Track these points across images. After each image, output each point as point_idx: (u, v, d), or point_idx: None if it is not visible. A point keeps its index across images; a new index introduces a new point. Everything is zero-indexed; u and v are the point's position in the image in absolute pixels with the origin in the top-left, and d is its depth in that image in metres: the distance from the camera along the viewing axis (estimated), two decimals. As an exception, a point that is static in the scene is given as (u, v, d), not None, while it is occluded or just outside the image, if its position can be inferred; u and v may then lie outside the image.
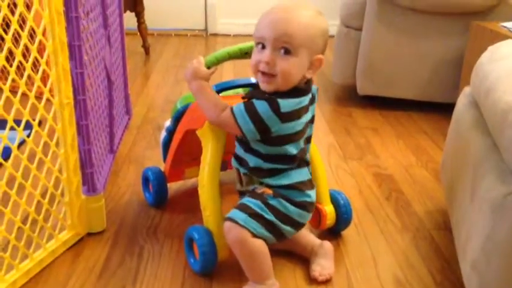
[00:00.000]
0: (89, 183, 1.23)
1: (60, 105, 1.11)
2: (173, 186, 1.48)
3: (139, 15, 3.03)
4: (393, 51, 2.12)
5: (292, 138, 1.02)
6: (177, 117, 1.29)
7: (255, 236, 1.01)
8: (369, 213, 1.40)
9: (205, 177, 1.10)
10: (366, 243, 1.27)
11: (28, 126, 1.02)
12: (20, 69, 1.53)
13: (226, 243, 1.05)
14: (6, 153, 1.01)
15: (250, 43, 1.10)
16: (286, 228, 1.05)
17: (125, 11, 2.73)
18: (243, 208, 1.03)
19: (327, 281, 1.11)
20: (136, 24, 3.03)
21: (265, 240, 1.03)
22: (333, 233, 1.28)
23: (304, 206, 1.07)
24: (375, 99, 2.30)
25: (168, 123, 1.37)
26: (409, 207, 1.44)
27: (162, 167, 1.41)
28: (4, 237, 1.02)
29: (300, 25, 0.96)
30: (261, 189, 1.07)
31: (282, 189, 1.05)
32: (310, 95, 1.04)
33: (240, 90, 1.24)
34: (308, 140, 1.09)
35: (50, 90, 1.08)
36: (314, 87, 1.08)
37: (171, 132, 1.35)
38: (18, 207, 1.05)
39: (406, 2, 2.02)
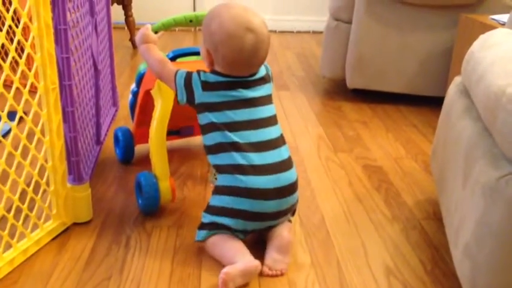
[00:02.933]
0: (74, 172, 1.20)
1: (45, 91, 1.08)
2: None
3: (127, 8, 3.00)
4: (382, 45, 2.12)
5: (213, 107, 1.11)
6: (139, 80, 1.45)
7: (214, 234, 1.11)
8: (359, 204, 1.39)
9: (154, 130, 1.26)
10: (356, 233, 1.26)
11: (13, 112, 0.99)
12: (1, 53, 1.49)
13: (169, 188, 1.26)
14: (-11, 138, 0.98)
15: (195, 13, 1.31)
16: (232, 221, 1.09)
17: (112, 3, 2.70)
18: (200, 225, 1.14)
19: (280, 276, 1.07)
20: (124, 17, 3.00)
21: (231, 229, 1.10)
22: None
23: (236, 192, 1.08)
24: (364, 92, 2.30)
25: (133, 86, 1.52)
26: (398, 198, 1.43)
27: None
28: (-13, 225, 0.99)
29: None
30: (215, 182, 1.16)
31: (217, 170, 1.13)
32: (242, 78, 1.12)
33: (195, 58, 1.37)
34: (253, 125, 1.11)
35: (35, 76, 1.06)
36: (267, 67, 1.21)
37: (135, 94, 1.50)
38: (2, 195, 1.03)
39: (396, -5, 2.02)
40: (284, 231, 1.12)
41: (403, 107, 2.20)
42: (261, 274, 1.07)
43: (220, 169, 1.11)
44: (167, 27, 1.31)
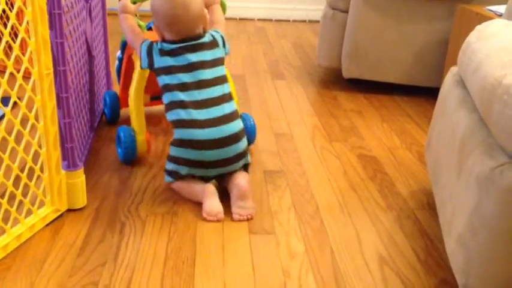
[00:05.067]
0: (69, 158, 1.20)
1: (39, 76, 1.07)
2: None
3: (122, -5, 2.97)
4: (379, 35, 2.11)
5: (167, 70, 1.30)
6: (124, 46, 1.62)
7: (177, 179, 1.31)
8: (354, 193, 1.40)
9: (133, 89, 1.44)
10: (350, 222, 1.26)
11: (6, 98, 0.98)
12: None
13: (144, 141, 1.46)
14: (-17, 123, 0.97)
15: None
16: (184, 168, 1.29)
17: (107, -11, 2.67)
18: (165, 170, 1.35)
19: (250, 219, 1.23)
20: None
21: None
22: None
23: (183, 144, 1.27)
24: (359, 82, 2.29)
25: (119, 53, 1.70)
26: (393, 188, 1.44)
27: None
28: (-20, 210, 0.99)
29: None
30: None
31: (172, 126, 1.31)
32: (188, 43, 1.30)
33: None
34: (197, 86, 1.29)
35: (29, 61, 1.05)
36: (214, 34, 1.36)
37: (121, 60, 1.67)
38: (-4, 180, 1.02)
39: (393, -16, 2.01)
40: (240, 181, 1.27)
41: (398, 97, 2.21)
42: (233, 220, 1.23)
43: (173, 124, 1.30)
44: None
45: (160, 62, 1.30)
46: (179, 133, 1.28)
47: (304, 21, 3.75)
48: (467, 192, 0.87)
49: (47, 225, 1.17)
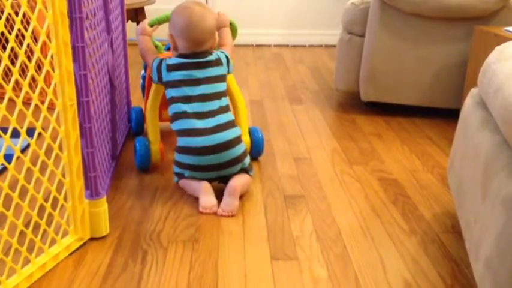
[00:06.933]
0: (91, 187, 1.21)
1: (63, 107, 1.09)
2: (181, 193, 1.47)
3: (141, 25, 3.04)
4: (396, 57, 2.12)
5: (173, 84, 1.45)
6: (146, 65, 1.74)
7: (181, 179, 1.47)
8: (376, 217, 1.38)
9: (149, 103, 1.60)
10: (373, 246, 1.24)
11: (31, 129, 1.00)
12: (24, 71, 1.52)
13: (158, 150, 1.59)
14: (10, 156, 0.99)
15: None
16: (186, 172, 1.44)
17: (126, 21, 2.74)
18: (174, 172, 1.50)
19: (231, 216, 1.35)
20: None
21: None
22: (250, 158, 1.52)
23: (184, 150, 1.42)
24: (378, 105, 2.29)
25: (142, 72, 1.88)
26: (416, 211, 1.42)
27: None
28: (6, 241, 1.00)
29: None
30: None
31: (176, 135, 1.46)
32: (194, 59, 1.46)
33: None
34: (202, 98, 1.44)
35: (53, 93, 1.07)
36: (219, 54, 1.50)
37: (144, 78, 1.82)
38: (21, 210, 1.03)
39: (409, 7, 2.02)
40: (233, 181, 1.41)
41: (418, 119, 2.19)
42: (217, 215, 1.36)
43: (177, 133, 1.45)
44: (161, 22, 1.63)
45: (167, 76, 1.45)
46: (182, 141, 1.43)
47: (320, 46, 3.78)
48: (494, 214, 0.85)
49: (71, 254, 1.18)
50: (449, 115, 2.13)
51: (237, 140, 1.44)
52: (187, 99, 1.43)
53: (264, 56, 3.42)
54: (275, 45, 3.76)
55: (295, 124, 2.10)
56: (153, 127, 1.59)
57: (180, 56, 1.47)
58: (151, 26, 1.61)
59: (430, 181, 1.61)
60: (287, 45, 3.76)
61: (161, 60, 1.47)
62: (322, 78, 2.86)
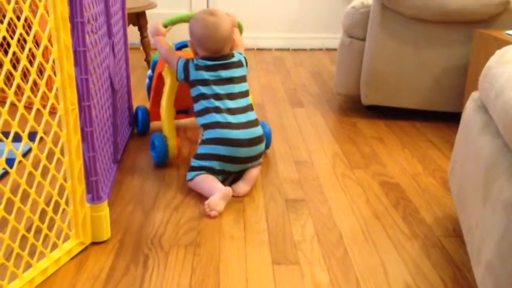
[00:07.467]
0: (93, 192, 1.21)
1: (65, 112, 1.10)
2: (184, 196, 1.47)
3: (142, 30, 3.04)
4: (397, 61, 2.12)
5: (203, 82, 1.53)
6: (154, 66, 1.83)
7: (199, 174, 1.49)
8: (377, 221, 1.38)
9: (164, 101, 1.67)
10: (374, 250, 1.24)
11: (33, 133, 1.00)
12: (25, 75, 1.52)
13: (175, 145, 1.66)
14: (11, 160, 0.99)
15: (195, 12, 1.63)
16: (214, 163, 1.49)
17: (128, 25, 2.74)
18: (190, 168, 1.53)
19: (240, 197, 1.47)
20: (139, 38, 3.05)
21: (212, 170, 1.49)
22: None
23: (218, 141, 1.48)
24: (379, 109, 2.29)
25: (149, 72, 1.91)
26: (417, 215, 1.42)
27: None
28: (8, 245, 1.00)
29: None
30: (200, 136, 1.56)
31: (204, 128, 1.52)
32: (220, 61, 1.55)
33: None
34: (230, 97, 1.53)
35: (55, 97, 1.07)
36: (240, 56, 1.60)
37: (151, 78, 1.88)
38: (23, 215, 1.04)
39: (410, 11, 2.03)
40: (253, 170, 1.54)
41: (419, 123, 2.19)
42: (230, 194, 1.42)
43: (206, 126, 1.51)
44: (174, 23, 1.68)
45: (195, 75, 1.54)
46: (213, 133, 1.49)
47: (321, 49, 3.78)
48: (495, 218, 0.85)
49: (72, 258, 1.18)
50: (450, 118, 2.13)
51: (264, 136, 1.56)
52: (217, 97, 1.52)
53: (265, 60, 3.42)
54: (276, 49, 3.76)
55: (296, 128, 2.10)
56: (168, 123, 1.66)
57: (205, 58, 1.55)
58: (165, 26, 1.67)
59: (432, 185, 1.61)
60: (288, 49, 3.76)
61: (187, 60, 1.56)
62: (323, 81, 2.86)
